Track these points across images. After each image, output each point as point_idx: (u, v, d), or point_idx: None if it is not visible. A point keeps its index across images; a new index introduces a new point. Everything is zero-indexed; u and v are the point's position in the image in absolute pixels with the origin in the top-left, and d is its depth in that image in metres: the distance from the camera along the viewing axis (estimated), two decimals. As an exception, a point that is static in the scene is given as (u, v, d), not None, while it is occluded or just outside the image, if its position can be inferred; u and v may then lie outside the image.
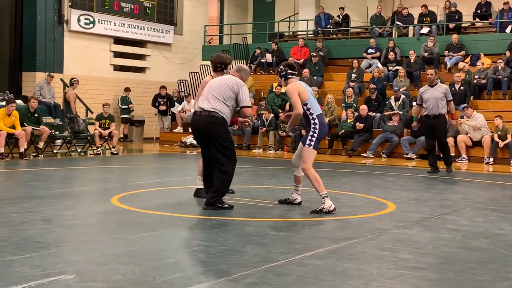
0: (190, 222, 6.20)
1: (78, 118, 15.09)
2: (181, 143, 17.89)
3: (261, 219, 6.33)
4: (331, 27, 21.88)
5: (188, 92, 20.66)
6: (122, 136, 18.96)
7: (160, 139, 19.69)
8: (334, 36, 22.26)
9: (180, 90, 21.02)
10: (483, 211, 7.23)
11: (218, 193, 6.76)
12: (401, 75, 17.47)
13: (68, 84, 17.28)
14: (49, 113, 15.95)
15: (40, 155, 13.31)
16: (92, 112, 17.34)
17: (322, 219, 6.49)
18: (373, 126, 15.94)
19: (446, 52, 18.31)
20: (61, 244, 5.02)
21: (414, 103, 15.95)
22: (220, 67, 7.41)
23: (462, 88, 16.00)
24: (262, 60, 21.09)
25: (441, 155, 12.14)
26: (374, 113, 16.41)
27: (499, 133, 14.07)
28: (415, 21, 20.24)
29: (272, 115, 16.99)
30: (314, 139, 6.72)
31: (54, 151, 14.21)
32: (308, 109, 6.76)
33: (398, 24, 20.33)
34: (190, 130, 18.38)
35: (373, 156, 15.21)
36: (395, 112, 15.93)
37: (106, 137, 15.13)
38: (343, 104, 17.14)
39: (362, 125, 15.60)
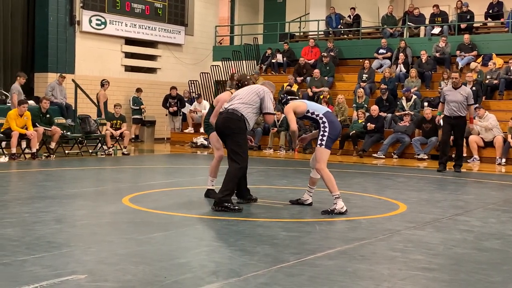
0: (201, 222, 6.21)
1: (89, 118, 15.16)
2: (192, 144, 17.91)
3: (272, 220, 6.33)
4: (342, 27, 21.85)
5: (199, 92, 20.69)
6: (133, 136, 19.02)
7: (171, 139, 19.73)
8: (345, 36, 22.21)
9: (191, 90, 21.05)
10: (495, 212, 7.19)
11: (224, 192, 6.74)
12: (412, 76, 17.41)
13: (100, 85, 17.54)
14: (61, 114, 16.03)
15: (52, 156, 13.37)
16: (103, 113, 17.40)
17: (333, 219, 6.48)
18: (384, 127, 15.90)
19: (457, 52, 18.22)
20: (72, 244, 5.04)
21: (425, 103, 16.05)
22: (243, 85, 7.55)
23: (474, 88, 15.91)
24: (273, 61, 21.08)
25: (453, 155, 12.19)
26: (385, 114, 16.36)
27: (512, 133, 14.01)
28: (427, 21, 20.16)
29: (283, 115, 16.97)
30: (325, 138, 6.76)
31: (66, 151, 14.28)
32: (312, 113, 6.90)
33: (409, 24, 20.26)
34: (201, 131, 18.56)
35: (384, 156, 15.17)
36: (406, 112, 15.88)
37: (118, 138, 15.19)
38: (354, 105, 17.10)
39: (373, 125, 15.56)
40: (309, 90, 18.48)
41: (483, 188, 9.99)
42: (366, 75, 18.35)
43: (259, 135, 17.00)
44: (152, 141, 20.07)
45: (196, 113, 19.21)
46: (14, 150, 12.52)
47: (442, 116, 12.34)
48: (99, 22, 19.05)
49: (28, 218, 6.05)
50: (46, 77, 17.68)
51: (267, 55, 21.40)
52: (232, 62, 21.49)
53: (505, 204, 7.89)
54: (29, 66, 18.10)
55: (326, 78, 18.90)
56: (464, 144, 14.11)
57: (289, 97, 7.20)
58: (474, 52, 18.09)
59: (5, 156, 12.31)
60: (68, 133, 14.99)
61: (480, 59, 17.91)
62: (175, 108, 19.62)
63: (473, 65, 17.51)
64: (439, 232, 5.87)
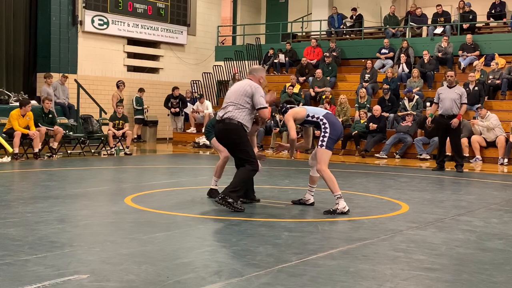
0: (203, 222, 6.21)
1: (91, 118, 15.17)
2: (194, 144, 17.92)
3: (274, 220, 6.33)
4: (344, 27, 21.84)
5: (201, 92, 20.70)
6: (135, 136, 19.04)
7: (174, 139, 19.74)
8: (347, 36, 22.21)
9: (193, 90, 21.06)
10: (497, 212, 7.19)
11: (233, 189, 6.70)
12: (414, 76, 17.41)
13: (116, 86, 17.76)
14: (63, 114, 16.05)
15: (54, 156, 13.39)
16: (106, 113, 17.41)
17: (335, 219, 6.48)
18: (386, 127, 15.90)
19: (460, 52, 18.22)
20: (75, 244, 5.05)
21: (428, 103, 16.04)
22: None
23: (476, 88, 15.92)
24: (275, 61, 21.09)
25: (453, 155, 12.21)
26: (388, 114, 16.36)
27: (514, 133, 14.01)
28: (429, 21, 20.16)
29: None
30: (326, 139, 6.78)
31: (68, 151, 14.29)
32: (313, 116, 6.94)
33: (411, 24, 20.26)
34: (203, 131, 18.56)
35: (386, 156, 15.17)
36: (409, 112, 15.88)
37: (120, 138, 15.20)
38: (356, 105, 17.10)
39: (376, 125, 15.56)
40: (311, 90, 18.49)
41: (486, 188, 9.97)
42: (368, 75, 18.35)
43: (261, 135, 17.01)
44: (154, 141, 20.08)
45: (198, 113, 19.22)
46: (16, 150, 12.53)
47: (432, 117, 12.36)
48: (102, 22, 19.06)
49: (30, 218, 6.06)
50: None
51: (269, 55, 21.41)
52: (235, 62, 21.50)
53: (507, 204, 7.88)
54: (31, 66, 18.11)
55: (328, 78, 18.89)
56: (467, 144, 14.12)
57: (288, 105, 7.22)
58: (477, 52, 18.08)
59: (8, 156, 12.32)
60: (71, 133, 15.00)
61: (482, 59, 17.90)
62: (177, 109, 19.61)
63: (475, 63, 17.47)
64: (441, 232, 5.87)
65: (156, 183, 9.43)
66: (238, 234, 5.52)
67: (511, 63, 16.83)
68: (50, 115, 13.78)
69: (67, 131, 14.51)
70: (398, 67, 18.52)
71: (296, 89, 18.45)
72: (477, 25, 19.85)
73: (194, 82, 21.27)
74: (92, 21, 18.79)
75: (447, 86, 12.01)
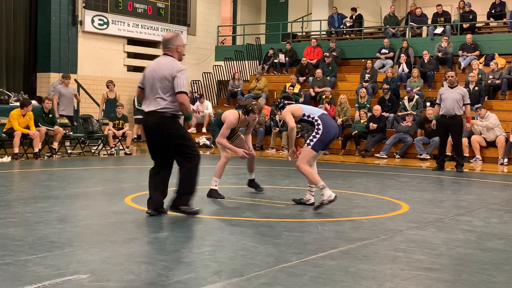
0: (203, 222, 6.21)
1: (92, 118, 15.17)
2: (194, 144, 17.89)
3: (274, 220, 6.33)
4: (344, 27, 21.84)
5: (201, 92, 20.69)
6: (135, 136, 19.03)
7: (174, 139, 19.69)
8: (347, 36, 22.21)
9: (193, 90, 21.06)
10: (497, 212, 7.19)
11: (184, 194, 6.24)
12: (414, 76, 17.41)
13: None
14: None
15: (54, 155, 13.39)
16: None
17: (335, 219, 6.48)
18: (386, 127, 15.89)
19: (460, 52, 18.22)
20: (75, 243, 5.05)
21: (428, 103, 16.04)
22: (248, 111, 7.80)
23: (476, 88, 15.92)
24: (275, 61, 21.09)
25: (454, 155, 12.22)
26: (388, 114, 16.36)
27: (514, 133, 14.00)
28: (429, 21, 20.16)
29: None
30: (315, 139, 6.88)
31: (68, 151, 14.28)
32: (308, 116, 6.98)
33: (411, 24, 20.26)
34: (203, 131, 18.57)
35: (386, 156, 15.17)
36: (409, 112, 15.88)
37: (120, 138, 15.20)
38: (356, 105, 17.09)
39: (376, 125, 15.56)
40: (311, 90, 18.49)
41: (486, 188, 9.98)
42: (369, 75, 18.35)
43: (262, 135, 17.01)
44: (154, 141, 20.04)
45: (198, 113, 19.21)
46: (16, 150, 12.54)
47: (435, 121, 12.33)
48: (102, 22, 19.06)
49: (30, 218, 6.06)
50: (49, 77, 17.67)
51: (269, 55, 21.41)
52: (235, 62, 21.49)
53: (507, 204, 7.88)
54: (31, 66, 18.11)
55: (328, 78, 18.89)
56: (467, 144, 14.11)
57: (285, 101, 7.25)
58: (477, 52, 18.08)
59: (8, 156, 12.32)
60: (71, 133, 15.00)
61: (482, 59, 17.90)
62: (176, 110, 19.58)
63: (474, 63, 17.47)
64: (441, 232, 5.87)
65: (156, 183, 9.40)
66: (238, 234, 5.52)
67: (511, 63, 16.81)
68: (50, 115, 13.78)
69: (67, 131, 14.48)
70: (398, 67, 18.53)
71: (296, 89, 18.44)
72: (477, 25, 19.85)
73: (194, 82, 21.26)
74: (92, 21, 18.79)
75: (448, 86, 12.01)
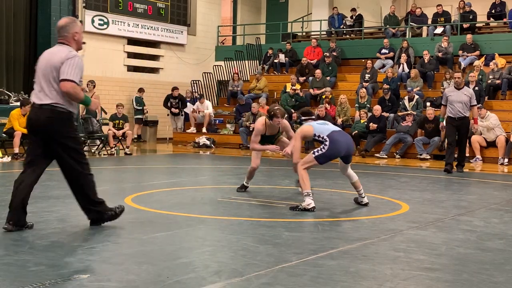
0: (203, 222, 6.21)
1: (92, 118, 15.16)
2: (194, 144, 17.92)
3: (274, 220, 6.33)
4: (344, 27, 21.84)
5: (201, 92, 20.70)
6: (135, 136, 19.04)
7: (174, 139, 19.74)
8: (347, 36, 22.21)
9: (194, 90, 21.07)
10: (498, 212, 7.19)
11: (97, 206, 5.81)
12: (413, 76, 17.40)
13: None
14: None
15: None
16: (106, 113, 17.41)
17: (335, 219, 6.49)
18: (386, 127, 15.89)
19: (460, 52, 18.22)
20: (75, 243, 5.05)
21: (428, 103, 16.04)
22: (271, 116, 8.05)
23: (476, 88, 15.91)
24: (275, 61, 21.09)
25: (456, 155, 12.19)
26: (388, 114, 16.36)
27: (514, 133, 14.00)
28: (429, 21, 20.16)
29: (285, 115, 16.94)
30: (320, 153, 7.00)
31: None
32: (319, 136, 7.07)
33: (412, 24, 20.26)
34: (203, 131, 18.56)
35: (386, 156, 15.17)
36: (409, 112, 15.88)
37: (120, 138, 15.20)
38: (356, 105, 17.09)
39: (376, 125, 15.56)
40: (311, 90, 18.49)
41: (486, 188, 9.97)
42: (369, 75, 18.35)
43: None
44: (154, 141, 20.08)
45: (199, 113, 19.22)
46: (16, 150, 12.54)
47: (443, 121, 12.22)
48: (102, 22, 19.07)
49: (31, 217, 6.04)
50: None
51: (269, 55, 21.41)
52: (235, 62, 21.50)
53: (507, 204, 7.88)
54: (31, 66, 18.08)
55: (328, 78, 18.89)
56: (467, 144, 14.09)
57: (303, 118, 7.44)
58: (477, 52, 18.09)
59: (8, 156, 12.32)
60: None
61: (482, 59, 17.90)
62: (176, 110, 19.59)
63: (476, 63, 17.46)
64: (442, 232, 5.87)
65: (156, 183, 9.43)
66: (238, 234, 5.52)
67: (511, 63, 16.81)
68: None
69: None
70: (398, 67, 18.53)
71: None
72: (477, 25, 19.86)
73: (194, 82, 21.27)
74: (92, 21, 18.81)
75: (455, 87, 11.85)
